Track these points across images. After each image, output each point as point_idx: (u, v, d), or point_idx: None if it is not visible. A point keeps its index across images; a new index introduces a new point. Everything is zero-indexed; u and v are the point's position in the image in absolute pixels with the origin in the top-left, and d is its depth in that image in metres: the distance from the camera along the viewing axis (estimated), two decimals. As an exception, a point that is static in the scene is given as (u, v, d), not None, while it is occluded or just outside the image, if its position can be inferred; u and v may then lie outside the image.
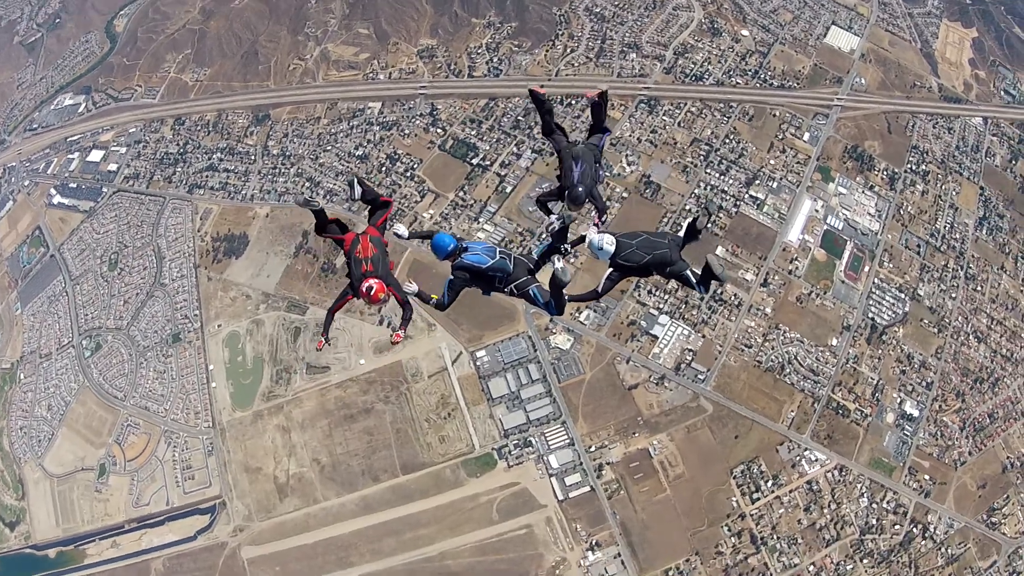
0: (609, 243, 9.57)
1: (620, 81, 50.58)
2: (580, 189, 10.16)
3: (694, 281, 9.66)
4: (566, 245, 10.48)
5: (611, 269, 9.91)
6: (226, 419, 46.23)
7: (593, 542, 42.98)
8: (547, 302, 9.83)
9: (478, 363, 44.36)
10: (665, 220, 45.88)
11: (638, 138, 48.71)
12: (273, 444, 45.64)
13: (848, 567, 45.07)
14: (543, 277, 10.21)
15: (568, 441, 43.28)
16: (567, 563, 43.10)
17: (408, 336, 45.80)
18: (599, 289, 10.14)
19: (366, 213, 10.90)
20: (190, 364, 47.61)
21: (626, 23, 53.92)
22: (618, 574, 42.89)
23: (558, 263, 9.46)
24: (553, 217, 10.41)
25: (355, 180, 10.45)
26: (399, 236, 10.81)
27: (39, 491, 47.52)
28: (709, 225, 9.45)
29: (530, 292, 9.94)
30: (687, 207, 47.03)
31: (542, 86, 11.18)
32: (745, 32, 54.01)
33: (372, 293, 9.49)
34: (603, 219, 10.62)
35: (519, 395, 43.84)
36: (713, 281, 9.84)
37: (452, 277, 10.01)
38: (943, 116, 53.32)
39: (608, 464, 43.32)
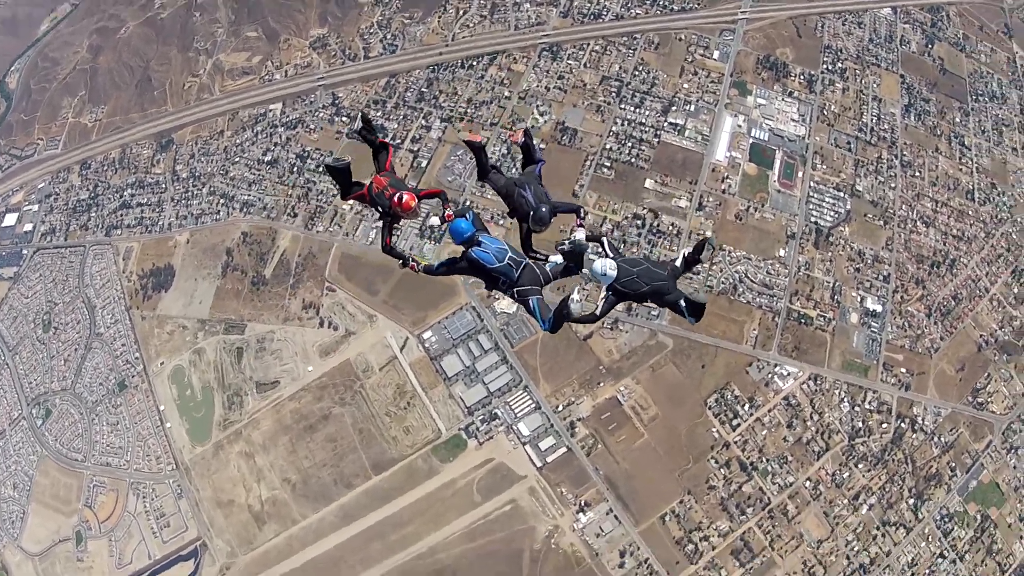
0: (612, 269, 10.08)
1: (518, 33, 52.44)
2: (544, 209, 10.57)
3: (686, 313, 10.24)
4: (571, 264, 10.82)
5: (609, 292, 10.32)
6: (188, 457, 46.60)
7: (582, 503, 43.97)
8: (546, 320, 10.19)
9: (427, 345, 45.24)
10: (587, 164, 47.71)
11: (546, 87, 50.37)
12: (240, 472, 45.94)
13: (845, 475, 46.35)
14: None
15: (534, 405, 44.28)
16: (560, 530, 44.00)
17: (351, 332, 46.42)
18: (597, 312, 10.52)
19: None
20: (141, 409, 48.12)
21: None
22: (615, 530, 44.02)
23: (575, 294, 10.04)
24: (565, 246, 10.59)
25: (362, 115, 11.57)
26: (436, 226, 11.99)
27: (23, 574, 47.51)
28: (711, 256, 10.02)
29: (529, 303, 10.24)
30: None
31: (472, 131, 12.14)
32: None
33: (404, 201, 10.24)
34: (584, 216, 11.07)
35: (475, 369, 44.83)
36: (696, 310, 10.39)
37: (455, 258, 10.52)
38: (851, 12, 55.66)
39: (579, 420, 44.46)
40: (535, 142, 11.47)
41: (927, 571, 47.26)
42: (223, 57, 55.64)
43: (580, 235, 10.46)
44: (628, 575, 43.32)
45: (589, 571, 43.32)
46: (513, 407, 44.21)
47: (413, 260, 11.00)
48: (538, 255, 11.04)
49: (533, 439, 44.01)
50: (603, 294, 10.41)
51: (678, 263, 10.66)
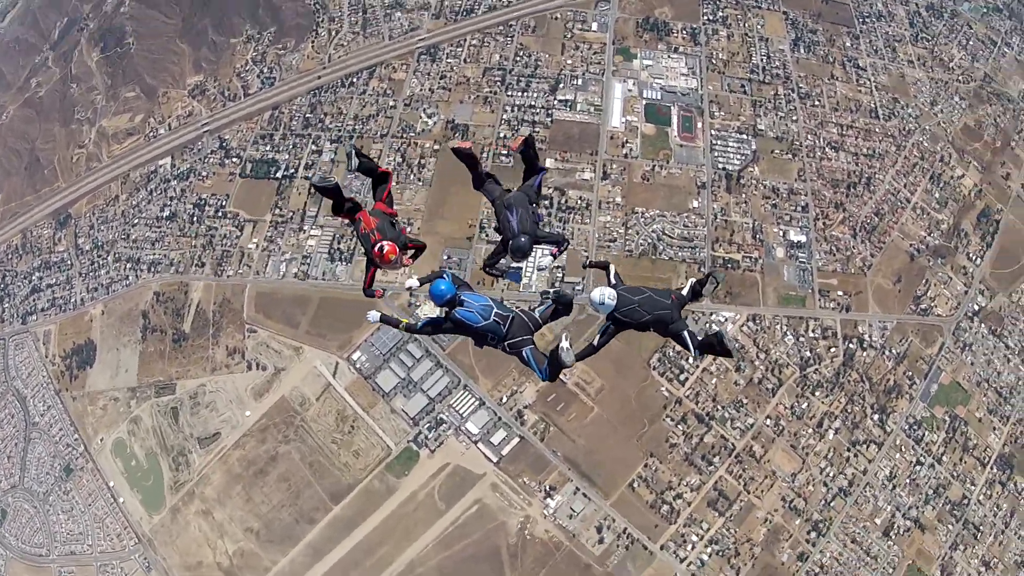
0: (611, 298, 10.54)
1: (393, 43, 56.02)
2: (523, 240, 10.94)
3: (691, 344, 10.66)
4: (548, 291, 11.70)
5: (609, 323, 10.78)
6: (147, 528, 48.98)
7: (547, 488, 47.10)
8: (542, 370, 10.78)
9: (358, 365, 48.21)
10: (484, 156, 51.12)
11: (430, 89, 54.02)
12: (201, 532, 48.58)
13: (803, 406, 50.37)
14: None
15: (478, 402, 47.43)
16: (531, 519, 47.05)
17: (280, 364, 49.73)
18: (595, 344, 11.06)
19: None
20: (92, 490, 50.39)
21: None
22: (586, 508, 47.32)
23: (564, 342, 10.48)
24: (550, 295, 11.28)
25: (353, 151, 11.46)
26: (412, 288, 11.92)
27: None
28: (713, 291, 11.82)
29: (523, 354, 10.73)
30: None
31: (464, 140, 12.58)
32: None
33: (384, 253, 10.71)
34: (563, 248, 11.69)
35: (411, 379, 47.84)
36: (714, 355, 11.04)
37: (440, 316, 11.00)
38: (723, -42, 60.52)
39: (526, 408, 47.63)
40: (533, 149, 12.00)
41: (907, 480, 51.23)
42: (105, 123, 58.42)
43: (594, 290, 10.86)
44: (609, 549, 46.63)
45: (570, 554, 46.34)
46: (457, 409, 47.14)
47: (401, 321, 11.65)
48: (494, 272, 12.00)
49: (484, 436, 47.01)
50: (602, 324, 10.86)
51: (685, 291, 11.10)
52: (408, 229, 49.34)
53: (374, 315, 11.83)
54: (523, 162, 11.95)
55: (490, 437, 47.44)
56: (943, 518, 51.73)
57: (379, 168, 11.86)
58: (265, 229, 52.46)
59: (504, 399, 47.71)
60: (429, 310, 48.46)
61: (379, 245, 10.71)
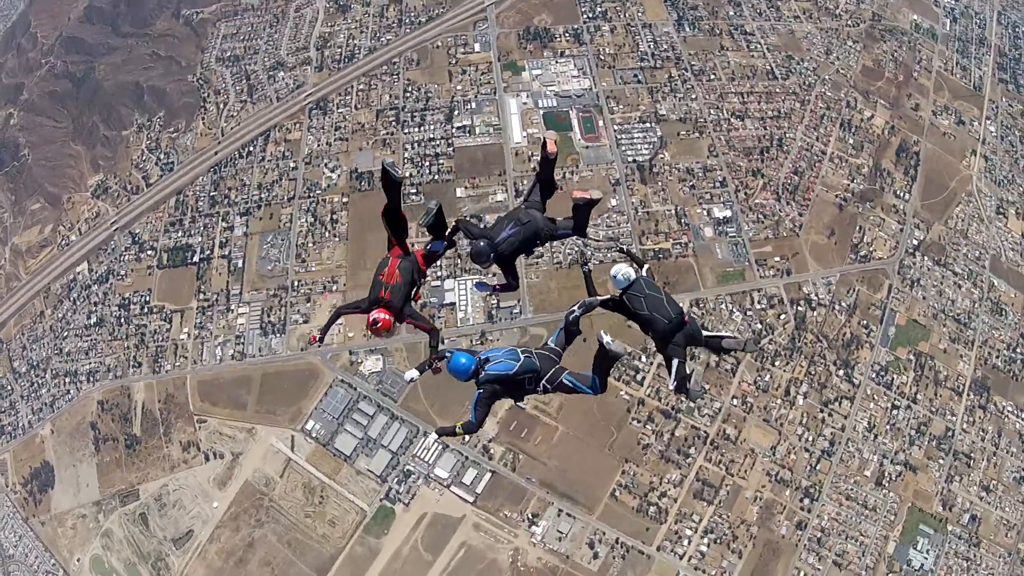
0: (627, 277, 11.10)
1: (282, 104, 58.55)
2: (482, 244, 11.00)
3: (673, 376, 10.99)
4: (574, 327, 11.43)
5: (616, 296, 11.27)
6: (144, 638, 50.34)
7: (529, 516, 48.79)
8: (592, 383, 10.79)
9: (314, 435, 49.73)
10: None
11: (327, 143, 56.46)
12: (197, 631, 50.05)
13: (766, 378, 53.20)
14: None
15: (441, 446, 49.18)
16: (521, 551, 48.54)
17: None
18: (598, 300, 11.41)
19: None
20: (76, 612, 51.37)
21: (260, 50, 62.67)
22: (573, 526, 48.96)
23: (605, 336, 10.42)
24: (576, 311, 11.22)
25: (438, 207, 11.36)
26: (413, 380, 11.53)
27: None
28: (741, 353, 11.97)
29: (565, 382, 10.68)
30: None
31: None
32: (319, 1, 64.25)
33: (376, 326, 10.44)
34: (495, 287, 11.78)
35: (369, 436, 49.49)
36: (683, 393, 11.28)
37: (480, 391, 10.58)
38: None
39: (490, 442, 49.40)
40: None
41: (887, 427, 53.83)
42: (17, 239, 60.11)
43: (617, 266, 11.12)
44: (606, 562, 48.31)
45: (567, 575, 48.90)
46: (422, 457, 48.80)
47: (320, 339, 11.48)
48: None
49: (455, 478, 48.62)
50: (611, 295, 11.25)
51: (710, 334, 11.49)
52: (335, 287, 52.40)
53: (412, 373, 11.41)
54: (542, 170, 11.83)
55: (461, 478, 49.03)
56: (932, 455, 54.76)
57: (449, 233, 11.68)
58: (193, 317, 54.03)
59: (467, 438, 49.83)
60: (372, 364, 50.99)
61: (374, 317, 10.42)
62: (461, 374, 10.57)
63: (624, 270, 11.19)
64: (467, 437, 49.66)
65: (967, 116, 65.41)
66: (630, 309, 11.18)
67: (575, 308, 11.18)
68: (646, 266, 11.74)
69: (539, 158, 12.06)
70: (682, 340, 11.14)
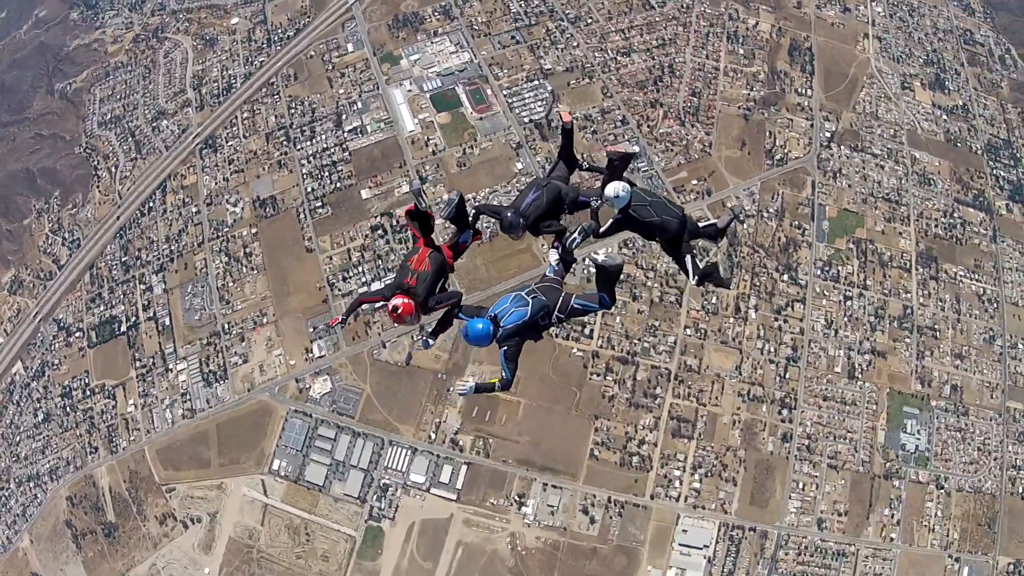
0: (624, 191, 10.79)
1: (171, 151, 57.71)
2: (509, 215, 11.00)
3: (691, 270, 11.26)
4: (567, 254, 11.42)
5: (619, 217, 11.05)
6: None
7: (515, 498, 48.15)
8: (600, 300, 10.80)
9: (283, 473, 48.62)
10: (302, 217, 53.05)
11: (224, 179, 55.52)
12: None
13: (713, 300, 52.39)
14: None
15: (410, 451, 48.26)
16: (518, 534, 47.95)
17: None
18: (601, 230, 11.29)
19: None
20: None
21: (138, 105, 61.70)
22: (561, 496, 48.40)
23: (599, 256, 10.50)
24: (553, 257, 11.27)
25: (459, 197, 11.11)
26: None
27: None
28: (735, 228, 12.11)
29: (576, 307, 10.65)
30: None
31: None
32: (235, 20, 63.51)
33: (396, 312, 10.23)
34: (562, 241, 11.33)
35: (336, 459, 48.51)
36: (710, 284, 11.60)
37: (505, 349, 10.50)
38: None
39: (457, 434, 48.68)
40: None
41: (845, 319, 54.02)
42: None
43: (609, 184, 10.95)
44: (604, 524, 47.98)
45: (570, 547, 47.58)
46: (394, 467, 47.95)
47: (342, 321, 11.27)
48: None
49: (432, 480, 47.81)
50: (613, 217, 11.08)
51: (704, 224, 11.70)
52: (265, 320, 51.25)
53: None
54: (563, 143, 11.83)
55: (439, 478, 48.21)
56: (897, 336, 54.98)
57: (472, 225, 11.52)
58: (135, 387, 52.75)
59: (432, 436, 48.72)
60: (321, 386, 50.06)
61: (395, 303, 10.21)
62: (483, 339, 10.25)
63: (620, 186, 10.97)
64: (433, 435, 49.03)
65: (851, 2, 66.04)
66: (639, 220, 11.11)
67: (575, 235, 11.02)
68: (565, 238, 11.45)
69: (560, 137, 12.13)
70: (688, 236, 11.35)
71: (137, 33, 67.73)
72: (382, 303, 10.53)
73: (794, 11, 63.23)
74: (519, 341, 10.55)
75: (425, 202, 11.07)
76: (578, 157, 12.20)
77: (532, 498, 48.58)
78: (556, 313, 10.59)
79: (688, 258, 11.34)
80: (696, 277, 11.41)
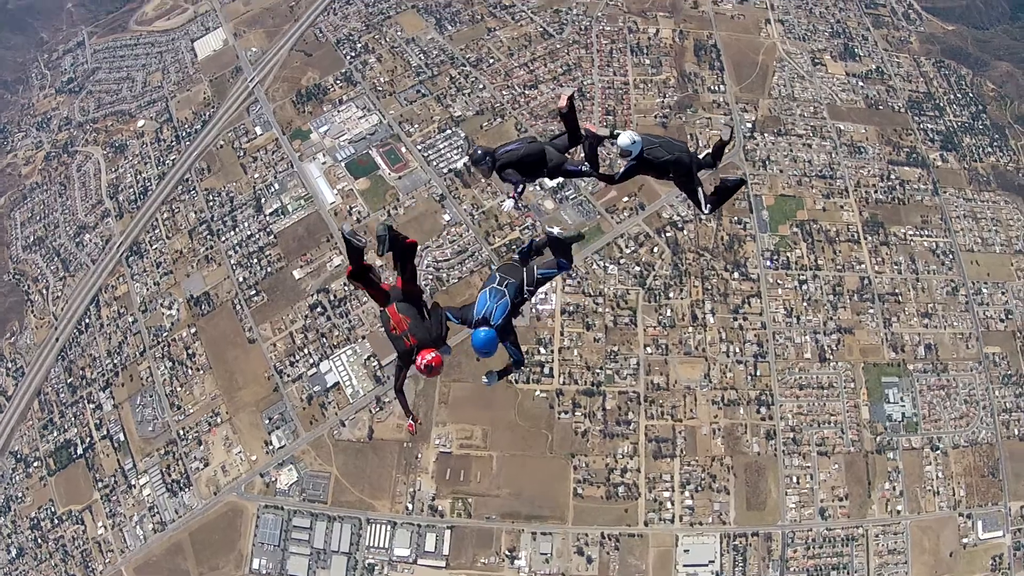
0: (636, 139, 11.42)
1: (97, 265, 58.00)
2: (480, 151, 11.61)
3: (702, 201, 11.85)
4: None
5: (633, 163, 11.65)
6: None
7: (505, 553, 47.01)
8: (558, 264, 11.52)
9: (265, 571, 47.52)
10: (238, 309, 52.64)
11: (154, 283, 55.61)
12: None
13: (667, 313, 52.00)
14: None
15: (389, 526, 47.12)
16: (515, 586, 46.99)
17: None
18: (616, 176, 12.02)
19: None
20: None
21: (59, 223, 62.11)
22: (554, 541, 47.47)
23: (553, 229, 11.47)
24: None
25: (388, 228, 10.70)
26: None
27: None
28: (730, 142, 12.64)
29: (540, 276, 11.15)
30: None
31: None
32: (140, 122, 63.91)
33: (431, 369, 10.16)
34: (518, 190, 11.84)
35: (316, 548, 47.47)
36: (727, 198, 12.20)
37: (506, 343, 10.83)
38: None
39: (434, 500, 47.50)
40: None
41: (804, 304, 53.73)
42: None
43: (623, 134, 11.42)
44: (603, 561, 47.04)
45: (573, 589, 47.14)
46: (376, 545, 46.86)
47: (413, 420, 11.40)
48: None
49: (417, 551, 46.72)
50: (626, 164, 11.63)
51: (702, 156, 12.19)
52: (219, 419, 50.25)
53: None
54: (565, 125, 12.14)
55: (424, 548, 47.07)
56: (859, 310, 54.76)
57: (406, 240, 11.12)
58: (102, 508, 51.57)
59: (410, 506, 47.49)
60: (287, 477, 48.94)
61: (424, 362, 10.10)
62: (491, 344, 10.37)
63: (629, 135, 11.59)
64: (410, 506, 47.95)
65: (747, -7, 67.27)
66: (654, 162, 11.73)
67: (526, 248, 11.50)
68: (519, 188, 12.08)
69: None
70: (696, 169, 12.02)
71: (48, 151, 67.65)
72: (430, 367, 10.18)
73: (692, 12, 64.30)
74: (511, 326, 10.81)
75: (362, 240, 10.58)
76: (583, 132, 12.35)
77: (523, 550, 47.50)
78: (527, 288, 10.87)
79: (700, 190, 11.88)
80: (709, 206, 12.02)
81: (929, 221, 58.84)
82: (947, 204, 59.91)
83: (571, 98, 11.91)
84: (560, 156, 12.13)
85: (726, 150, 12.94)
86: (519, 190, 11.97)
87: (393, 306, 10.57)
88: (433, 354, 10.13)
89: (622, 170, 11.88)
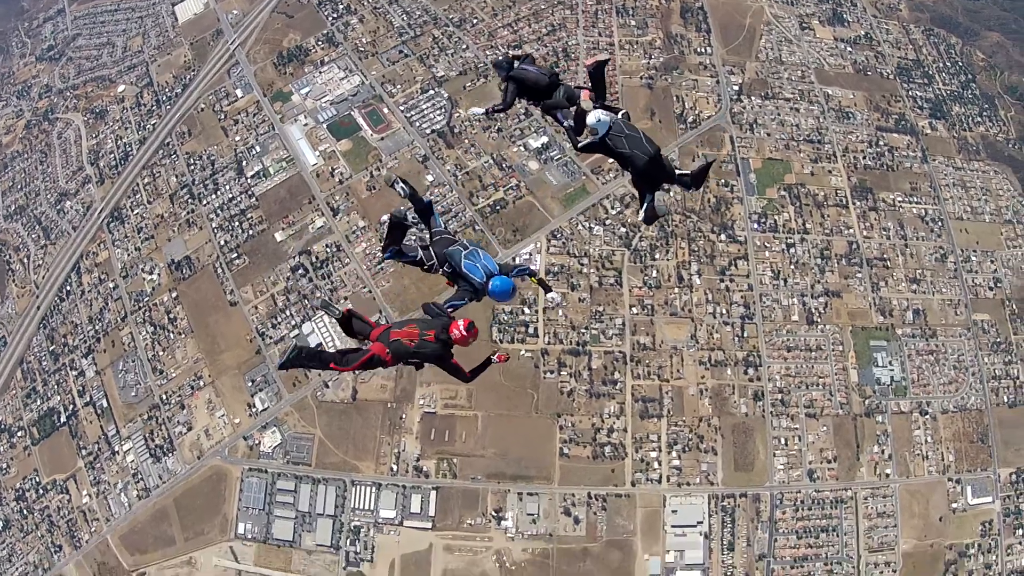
0: (604, 120, 11.57)
1: (77, 233, 57.59)
2: (504, 59, 12.68)
3: (645, 207, 11.87)
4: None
5: (595, 140, 11.87)
6: None
7: (492, 514, 46.91)
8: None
9: (250, 536, 47.39)
10: (220, 272, 52.47)
11: (135, 248, 55.35)
12: None
13: (653, 274, 51.81)
14: None
15: (374, 487, 46.99)
16: (504, 550, 46.83)
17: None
18: (579, 144, 12.28)
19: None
20: None
21: (40, 191, 61.78)
22: (540, 502, 47.35)
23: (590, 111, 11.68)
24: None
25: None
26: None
27: None
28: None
29: (556, 116, 12.26)
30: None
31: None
32: (121, 88, 63.63)
33: (472, 331, 10.08)
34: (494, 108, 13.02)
35: (301, 511, 47.27)
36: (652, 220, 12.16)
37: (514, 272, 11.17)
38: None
39: (419, 460, 47.39)
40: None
41: (792, 267, 53.56)
42: None
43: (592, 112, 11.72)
44: (590, 522, 46.98)
45: (560, 552, 46.75)
46: (362, 507, 46.66)
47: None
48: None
49: (403, 512, 46.58)
50: (592, 138, 11.85)
51: (683, 172, 12.05)
52: (202, 383, 49.98)
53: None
54: (591, 81, 12.55)
55: (409, 509, 46.91)
56: (847, 273, 54.64)
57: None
58: (86, 476, 51.37)
59: (394, 467, 47.27)
60: (270, 439, 48.85)
61: (462, 330, 9.98)
62: (512, 289, 10.76)
63: (599, 115, 11.75)
64: (395, 467, 47.77)
65: (736, -45, 66.58)
66: (612, 149, 11.85)
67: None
68: (621, 112, 12.15)
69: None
70: (660, 176, 11.96)
71: (28, 119, 67.11)
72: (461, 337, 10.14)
73: (679, -26, 63.71)
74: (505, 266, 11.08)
75: (337, 311, 10.85)
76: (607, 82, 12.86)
77: (510, 510, 47.33)
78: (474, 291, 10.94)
79: (648, 196, 11.92)
80: (645, 215, 12.11)
81: (918, 188, 58.75)
82: (936, 172, 59.81)
83: (603, 62, 12.44)
84: (562, 101, 12.52)
85: (708, 175, 13.18)
86: (494, 109, 13.08)
87: (379, 344, 10.27)
88: (460, 322, 10.07)
89: (584, 142, 12.15)
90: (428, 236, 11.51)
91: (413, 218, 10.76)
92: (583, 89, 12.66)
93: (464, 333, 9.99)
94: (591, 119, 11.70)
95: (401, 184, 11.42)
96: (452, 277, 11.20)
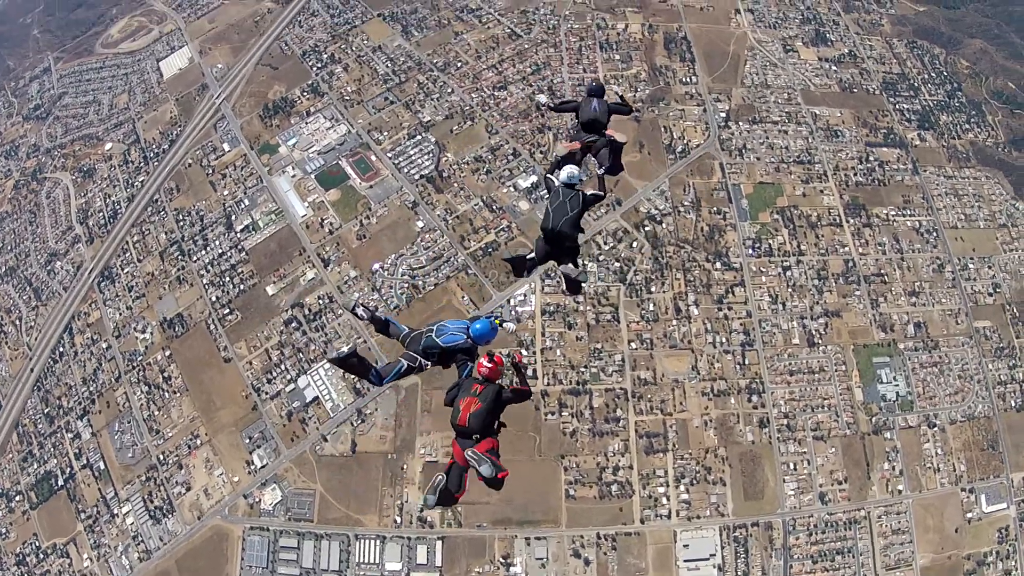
0: (563, 179, 12.82)
1: (70, 293, 57.36)
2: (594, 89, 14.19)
3: (568, 276, 12.79)
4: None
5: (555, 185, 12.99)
6: None
7: (500, 561, 46.12)
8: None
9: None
10: (212, 330, 52.00)
11: (127, 307, 55.42)
12: None
13: (650, 307, 51.47)
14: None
15: (379, 540, 46.41)
16: (513, 595, 45.87)
17: None
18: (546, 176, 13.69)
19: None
20: None
21: (30, 252, 61.66)
22: (548, 546, 46.79)
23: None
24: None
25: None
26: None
27: None
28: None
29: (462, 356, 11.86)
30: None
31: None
32: (108, 145, 63.63)
33: (492, 362, 10.68)
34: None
35: (305, 568, 46.72)
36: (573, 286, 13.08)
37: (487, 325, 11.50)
38: (301, 13, 65.47)
39: (424, 511, 46.51)
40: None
41: (789, 290, 53.44)
42: None
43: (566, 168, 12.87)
44: (600, 563, 46.44)
45: (571, 593, 46.16)
46: (367, 561, 46.01)
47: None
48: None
49: (409, 564, 45.91)
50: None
51: (595, 192, 13.35)
52: (198, 441, 49.62)
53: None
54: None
55: (416, 561, 46.24)
56: (845, 292, 54.31)
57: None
58: (86, 540, 50.69)
59: (398, 519, 46.64)
60: (271, 496, 48.24)
61: (486, 371, 10.65)
62: (491, 332, 11.27)
63: (571, 172, 12.99)
64: (398, 519, 47.12)
65: (716, -16, 67.32)
66: (549, 209, 12.73)
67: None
68: (604, 167, 13.77)
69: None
70: (556, 253, 12.76)
71: (17, 179, 67.28)
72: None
73: (661, 6, 64.33)
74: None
75: (368, 309, 11.46)
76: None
77: (518, 556, 46.64)
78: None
79: (568, 265, 12.82)
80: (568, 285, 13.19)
81: (911, 200, 58.62)
82: (928, 182, 59.74)
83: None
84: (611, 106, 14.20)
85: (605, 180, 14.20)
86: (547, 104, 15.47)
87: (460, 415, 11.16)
88: (481, 360, 10.78)
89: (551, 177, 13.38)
90: (401, 339, 11.66)
91: (351, 348, 10.91)
92: (575, 141, 14.08)
93: (491, 366, 10.70)
94: (563, 175, 12.86)
95: (362, 309, 11.61)
96: (443, 360, 11.47)
